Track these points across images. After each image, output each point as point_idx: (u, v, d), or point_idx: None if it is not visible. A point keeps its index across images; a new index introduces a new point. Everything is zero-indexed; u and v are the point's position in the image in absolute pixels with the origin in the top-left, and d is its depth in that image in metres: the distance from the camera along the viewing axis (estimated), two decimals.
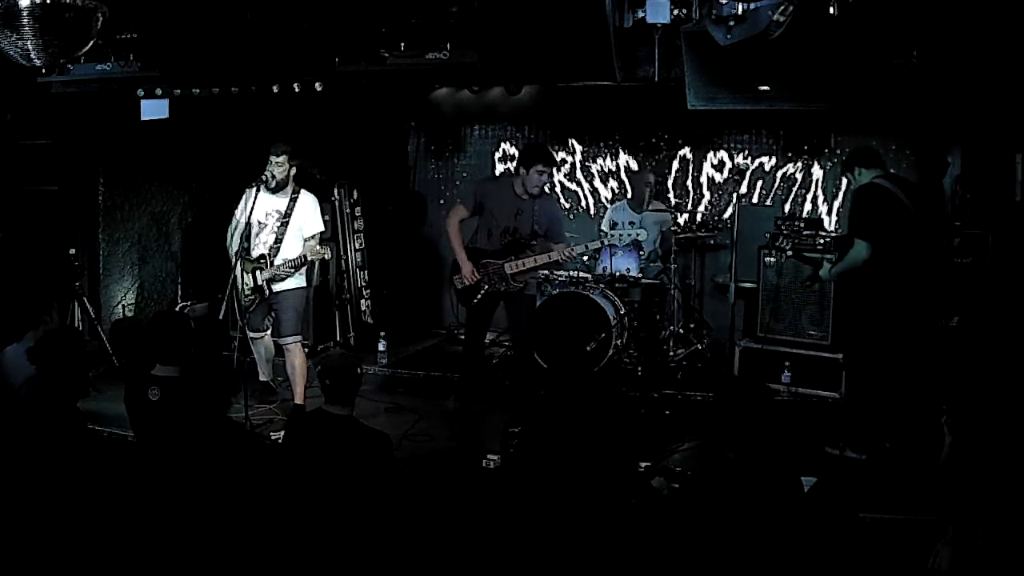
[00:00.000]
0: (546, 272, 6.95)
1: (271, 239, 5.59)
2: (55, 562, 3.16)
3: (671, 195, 7.89)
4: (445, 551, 3.57)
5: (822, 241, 6.24)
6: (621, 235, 5.81)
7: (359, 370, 3.74)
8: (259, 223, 5.59)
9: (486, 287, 5.61)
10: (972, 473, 2.64)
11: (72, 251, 6.43)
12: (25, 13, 3.79)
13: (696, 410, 5.93)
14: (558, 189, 8.28)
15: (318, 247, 5.59)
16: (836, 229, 7.28)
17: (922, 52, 4.67)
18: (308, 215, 5.64)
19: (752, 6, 3.77)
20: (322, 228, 5.72)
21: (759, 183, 7.68)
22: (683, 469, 4.65)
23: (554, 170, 5.59)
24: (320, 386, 3.72)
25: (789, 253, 5.57)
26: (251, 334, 5.75)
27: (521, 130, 8.34)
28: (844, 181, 5.14)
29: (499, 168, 8.34)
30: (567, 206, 8.20)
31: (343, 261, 7.63)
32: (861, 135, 7.38)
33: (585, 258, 7.17)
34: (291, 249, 5.58)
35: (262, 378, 6.03)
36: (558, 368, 6.21)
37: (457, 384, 6.02)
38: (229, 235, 5.72)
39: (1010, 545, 2.48)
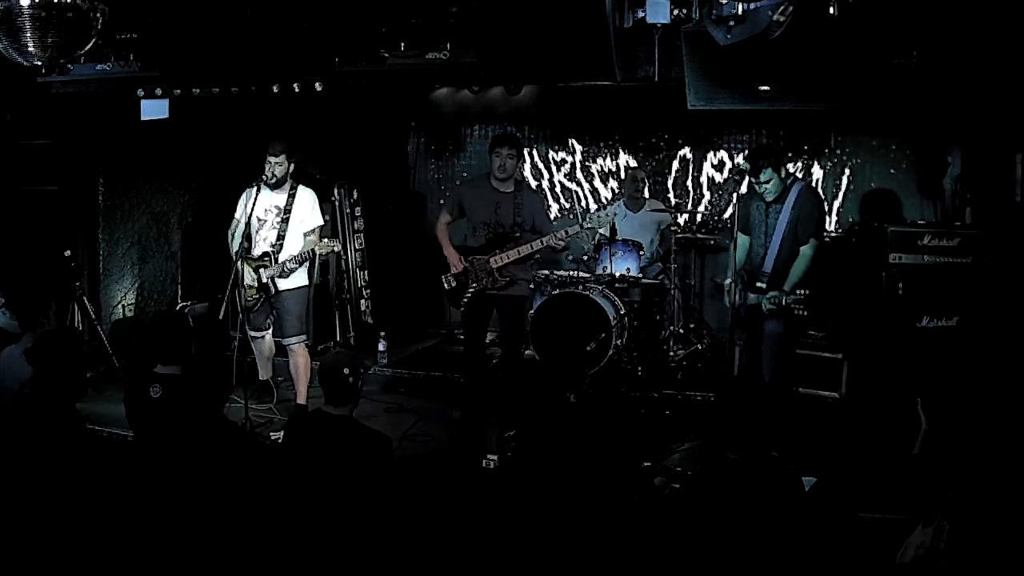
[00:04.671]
0: (546, 272, 6.97)
1: (272, 236, 5.59)
2: (55, 562, 3.16)
3: (671, 195, 7.89)
4: (445, 551, 3.57)
5: (827, 239, 6.26)
6: (600, 217, 5.73)
7: (361, 370, 3.73)
8: (259, 220, 5.59)
9: (475, 286, 5.61)
10: (948, 466, 2.63)
11: (67, 252, 6.40)
12: (25, 13, 3.79)
13: (696, 410, 5.93)
14: (558, 189, 8.30)
15: (326, 240, 5.61)
16: (837, 229, 7.28)
17: (922, 52, 4.67)
18: (307, 210, 5.65)
19: (752, 6, 3.76)
20: (321, 222, 5.74)
21: None
22: (683, 469, 4.64)
23: (518, 152, 5.57)
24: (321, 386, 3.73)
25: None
26: (253, 333, 5.75)
27: (521, 130, 8.33)
28: (773, 176, 5.14)
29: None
30: (567, 206, 8.21)
31: (343, 261, 7.63)
32: (861, 135, 7.39)
33: (585, 258, 7.17)
34: (294, 245, 5.59)
35: (262, 377, 6.03)
36: (550, 370, 6.18)
37: (461, 392, 6.01)
38: (231, 235, 5.72)
39: (980, 540, 2.47)
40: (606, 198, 8.12)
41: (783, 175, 5.21)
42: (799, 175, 7.47)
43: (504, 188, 5.58)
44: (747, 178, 5.33)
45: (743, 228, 5.33)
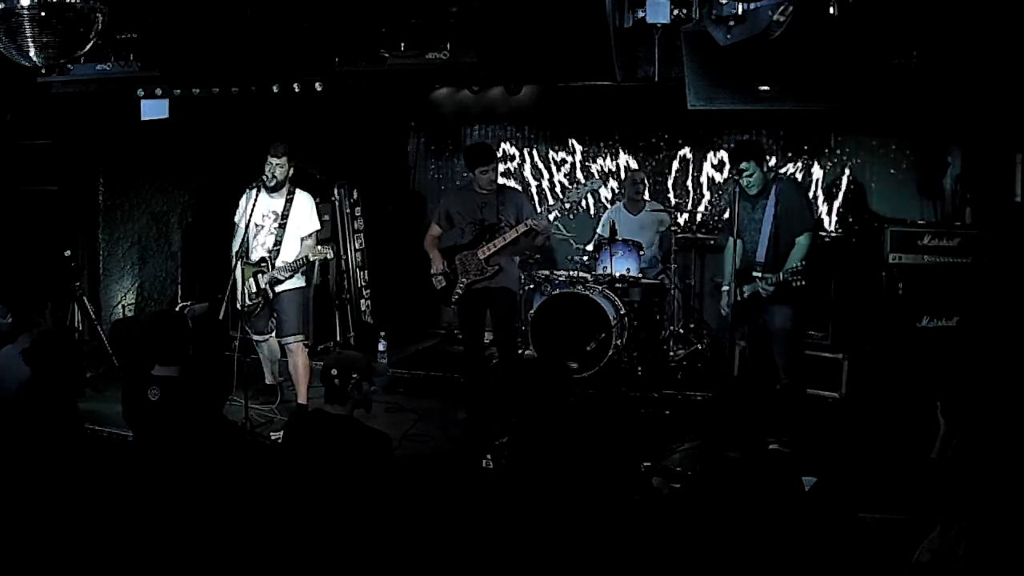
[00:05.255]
0: (546, 272, 6.98)
1: (270, 241, 5.60)
2: (55, 562, 3.17)
3: (671, 195, 7.89)
4: (445, 550, 3.57)
5: (827, 239, 6.26)
6: (579, 189, 6.21)
7: (354, 376, 3.69)
8: (256, 225, 5.61)
9: (464, 281, 5.68)
10: (966, 469, 2.64)
11: (67, 252, 6.40)
12: (25, 13, 3.78)
13: (696, 410, 5.93)
14: (558, 189, 8.29)
15: (319, 247, 5.63)
16: (836, 229, 7.28)
17: (922, 52, 4.67)
18: (305, 215, 5.67)
19: (752, 6, 3.76)
20: (318, 227, 5.75)
21: None
22: (683, 469, 4.65)
23: (499, 164, 5.84)
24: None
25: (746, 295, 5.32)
26: (256, 337, 5.78)
27: (521, 130, 8.34)
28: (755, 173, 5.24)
29: (500, 168, 8.36)
30: (566, 207, 8.20)
31: (343, 261, 7.63)
32: (861, 135, 7.39)
33: (585, 258, 7.17)
34: (290, 250, 5.59)
35: (268, 381, 6.04)
36: (541, 370, 6.17)
37: (464, 392, 6.02)
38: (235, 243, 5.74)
39: (995, 544, 2.47)
40: (606, 198, 8.11)
41: (765, 170, 5.31)
42: (798, 175, 7.49)
43: (487, 189, 5.71)
44: (735, 177, 5.34)
45: (735, 231, 5.31)
